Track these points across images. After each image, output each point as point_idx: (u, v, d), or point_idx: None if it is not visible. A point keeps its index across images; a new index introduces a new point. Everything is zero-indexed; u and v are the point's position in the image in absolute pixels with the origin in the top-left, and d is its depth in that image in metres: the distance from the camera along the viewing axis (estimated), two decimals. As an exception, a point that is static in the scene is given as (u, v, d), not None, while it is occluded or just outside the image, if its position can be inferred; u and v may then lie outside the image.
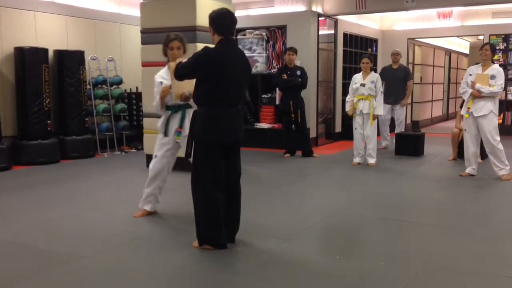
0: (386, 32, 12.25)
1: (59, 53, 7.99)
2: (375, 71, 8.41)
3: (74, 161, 7.76)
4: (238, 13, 8.55)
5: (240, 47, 9.55)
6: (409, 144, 8.35)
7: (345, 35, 10.53)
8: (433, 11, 11.40)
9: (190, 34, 6.20)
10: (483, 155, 6.99)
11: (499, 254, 3.74)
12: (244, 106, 9.28)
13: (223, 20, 3.67)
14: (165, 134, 4.47)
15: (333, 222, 4.62)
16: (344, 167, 7.35)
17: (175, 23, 6.57)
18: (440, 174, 6.86)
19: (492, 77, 6.11)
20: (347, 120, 8.67)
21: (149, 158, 7.00)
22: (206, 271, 3.43)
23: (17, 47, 7.47)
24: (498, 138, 6.26)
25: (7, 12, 7.47)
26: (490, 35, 11.22)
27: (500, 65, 6.67)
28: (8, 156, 7.09)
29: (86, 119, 8.29)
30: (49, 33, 8.02)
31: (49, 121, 7.66)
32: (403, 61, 10.87)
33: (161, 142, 4.51)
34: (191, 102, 4.24)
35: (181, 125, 4.39)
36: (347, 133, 9.41)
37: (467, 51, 17.29)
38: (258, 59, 9.60)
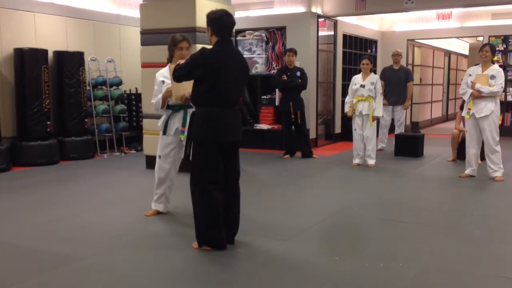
0: (385, 33, 12.26)
1: (58, 54, 7.99)
2: (375, 72, 8.41)
3: (74, 162, 7.75)
4: (237, 14, 8.60)
5: (240, 48, 9.58)
6: (409, 145, 8.35)
7: (344, 36, 10.54)
8: (432, 12, 11.42)
9: (189, 35, 6.18)
10: (482, 156, 6.99)
11: (498, 255, 3.74)
12: (244, 107, 9.29)
13: (221, 22, 3.66)
14: (164, 132, 4.48)
15: (332, 223, 4.62)
16: (343, 168, 7.35)
17: (175, 24, 6.57)
18: (440, 175, 6.86)
19: (492, 77, 6.11)
20: (347, 121, 8.67)
21: (149, 159, 7.02)
22: (205, 272, 3.43)
23: (17, 48, 7.47)
24: (498, 139, 6.27)
25: (7, 13, 7.46)
26: (489, 36, 11.22)
27: (499, 66, 6.67)
28: (7, 157, 7.09)
29: (86, 120, 8.29)
30: (48, 34, 8.02)
31: (48, 122, 7.66)
32: (402, 62, 10.88)
33: (164, 142, 4.52)
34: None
35: (184, 124, 4.39)
36: (346, 134, 9.42)
37: (466, 52, 17.31)
38: (258, 60, 9.61)
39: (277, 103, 9.15)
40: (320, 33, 9.60)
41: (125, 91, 9.03)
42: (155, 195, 4.69)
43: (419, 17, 11.74)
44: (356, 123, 7.43)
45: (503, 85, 6.26)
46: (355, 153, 7.55)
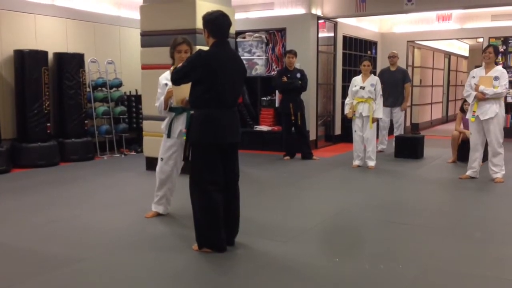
0: (385, 35, 12.27)
1: (58, 56, 8.00)
2: (375, 74, 8.42)
3: (74, 164, 7.75)
4: (237, 16, 8.61)
5: (240, 49, 9.59)
6: (409, 146, 8.35)
7: (344, 37, 10.54)
8: (432, 14, 11.42)
9: (189, 37, 6.19)
10: (484, 157, 6.99)
11: (499, 257, 3.73)
12: (244, 108, 9.30)
13: (217, 23, 3.65)
14: (168, 135, 4.48)
15: (332, 224, 4.62)
16: (343, 170, 7.35)
17: (175, 26, 6.58)
18: (440, 176, 6.85)
19: (496, 78, 6.10)
20: (347, 122, 8.67)
21: (148, 160, 7.02)
22: (205, 273, 3.43)
23: (17, 50, 7.47)
24: (502, 141, 6.27)
25: (7, 15, 7.47)
26: (489, 37, 11.23)
27: (499, 68, 6.65)
28: (7, 158, 7.09)
29: (86, 121, 8.29)
30: (49, 36, 8.03)
31: (48, 124, 7.66)
32: (402, 64, 10.90)
33: (167, 145, 4.52)
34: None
35: (187, 126, 4.38)
36: (346, 136, 9.42)
37: (466, 54, 17.31)
38: (258, 61, 9.61)
39: (277, 105, 9.15)
40: (320, 35, 9.61)
41: (125, 92, 9.03)
42: (155, 197, 4.69)
43: (419, 19, 11.74)
44: (356, 124, 7.43)
45: (507, 86, 6.24)
46: (355, 154, 7.55)
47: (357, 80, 7.43)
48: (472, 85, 6.25)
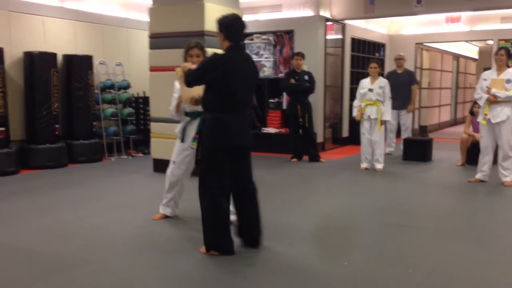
0: (393, 37, 12.22)
1: (68, 58, 8.04)
2: (382, 76, 8.39)
3: (82, 165, 7.78)
4: (246, 18, 8.51)
5: (248, 51, 9.56)
6: (417, 149, 8.30)
7: (352, 39, 10.51)
8: (441, 16, 11.36)
9: (198, 39, 6.20)
10: (494, 160, 6.92)
11: (508, 261, 3.70)
12: (251, 110, 9.27)
13: (234, 27, 3.67)
14: (182, 140, 4.48)
15: (340, 227, 4.59)
16: (351, 172, 7.32)
17: (183, 28, 6.59)
18: (449, 179, 6.80)
19: (508, 81, 6.03)
20: (355, 125, 8.64)
21: (156, 162, 7.03)
22: (213, 276, 3.42)
23: (27, 52, 7.52)
24: None
25: (17, 17, 7.52)
26: (499, 40, 11.15)
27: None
28: (16, 160, 7.13)
29: (94, 123, 8.32)
30: (58, 38, 8.07)
31: (57, 125, 7.69)
32: (410, 66, 10.84)
33: (180, 149, 4.51)
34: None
35: (198, 131, 4.38)
36: (354, 138, 9.38)
37: (475, 56, 17.21)
38: (265, 63, 9.60)
39: (284, 107, 9.14)
40: (328, 37, 9.59)
41: (132, 94, 9.06)
42: (164, 199, 4.69)
43: (428, 21, 11.68)
44: (364, 127, 7.40)
45: None
46: (363, 157, 7.51)
47: (365, 83, 7.40)
48: (484, 87, 6.19)
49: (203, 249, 3.76)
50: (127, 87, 8.79)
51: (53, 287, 3.24)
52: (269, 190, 6.08)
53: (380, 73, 7.58)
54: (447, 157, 8.54)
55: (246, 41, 9.54)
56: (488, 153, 6.34)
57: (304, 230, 4.40)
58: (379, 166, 7.36)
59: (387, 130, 8.79)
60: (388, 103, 7.27)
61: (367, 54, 11.04)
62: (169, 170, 4.60)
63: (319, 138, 9.25)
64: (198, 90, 4.04)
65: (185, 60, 4.42)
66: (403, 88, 8.80)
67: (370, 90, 7.26)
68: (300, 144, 8.28)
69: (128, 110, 8.81)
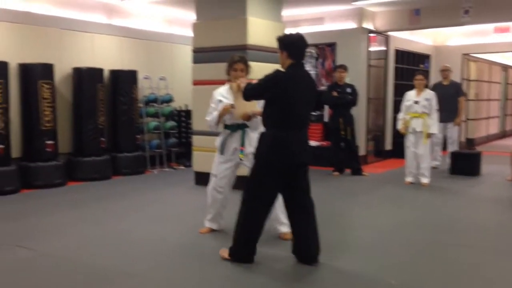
0: (439, 48, 11.94)
1: (113, 73, 8.25)
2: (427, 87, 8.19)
3: (125, 177, 7.93)
4: (287, 31, 8.57)
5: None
6: (465, 163, 8.03)
7: (396, 51, 10.34)
8: (489, 26, 11.00)
9: (241, 53, 6.24)
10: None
11: None
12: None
13: (298, 45, 3.72)
14: (222, 152, 4.48)
15: (383, 242, 4.46)
16: (395, 186, 7.14)
17: (227, 42, 6.65)
18: (499, 195, 6.53)
19: None
20: (398, 137, 8.45)
21: (198, 175, 7.08)
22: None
23: (76, 68, 7.77)
24: None
25: (68, 35, 7.78)
26: (551, 49, 10.72)
27: None
28: (64, 172, 7.33)
29: (137, 136, 8.48)
30: (105, 54, 8.31)
31: (102, 138, 7.89)
32: (457, 77, 10.54)
33: (220, 161, 4.51)
34: (248, 122, 4.29)
35: (243, 144, 4.38)
36: (397, 151, 9.17)
37: (525, 67, 16.59)
38: (307, 76, 9.54)
39: (326, 119, 9.05)
40: (371, 49, 9.46)
41: (175, 108, 9.19)
42: (208, 214, 4.68)
43: (475, 31, 11.33)
44: (409, 140, 7.22)
45: None
46: (408, 171, 7.32)
47: (410, 95, 7.24)
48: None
49: (225, 252, 3.81)
50: (170, 100, 8.93)
51: (98, 298, 3.28)
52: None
53: (426, 85, 7.40)
54: (496, 171, 8.21)
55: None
56: None
57: (346, 245, 4.32)
58: (425, 180, 7.15)
59: (433, 143, 8.55)
60: (435, 116, 7.08)
61: (411, 65, 10.82)
62: (210, 185, 4.60)
63: (361, 151, 9.09)
64: (251, 107, 4.07)
65: (228, 74, 4.44)
66: (449, 100, 8.54)
67: (416, 102, 7.09)
68: (342, 157, 8.17)
69: (171, 123, 8.94)
